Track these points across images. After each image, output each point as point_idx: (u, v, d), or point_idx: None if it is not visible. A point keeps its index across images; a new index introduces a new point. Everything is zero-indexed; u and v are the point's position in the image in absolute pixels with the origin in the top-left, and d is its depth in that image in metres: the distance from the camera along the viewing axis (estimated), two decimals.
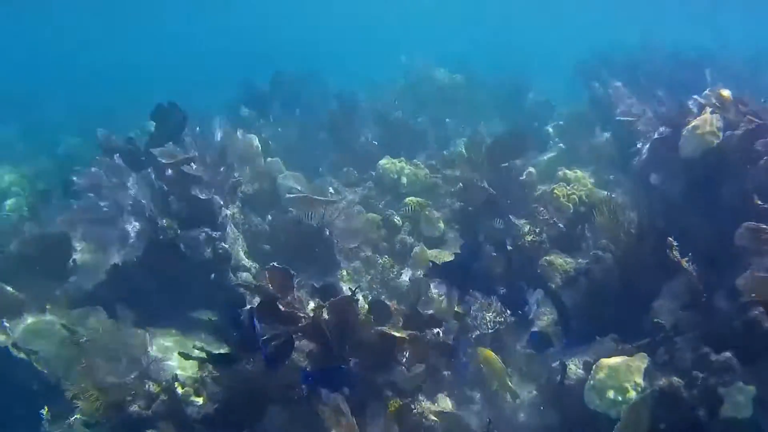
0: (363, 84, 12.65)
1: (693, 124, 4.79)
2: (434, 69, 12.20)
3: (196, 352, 3.91)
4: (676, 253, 4.12)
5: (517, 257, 5.44)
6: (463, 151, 7.40)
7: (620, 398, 3.72)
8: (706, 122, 4.72)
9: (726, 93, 4.92)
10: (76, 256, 5.72)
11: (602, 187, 7.26)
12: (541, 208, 6.22)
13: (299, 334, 3.88)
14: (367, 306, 4.27)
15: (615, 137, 7.79)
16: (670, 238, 4.18)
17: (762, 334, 3.59)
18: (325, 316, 3.87)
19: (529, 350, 4.85)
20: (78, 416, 4.05)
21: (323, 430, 3.59)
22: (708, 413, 3.55)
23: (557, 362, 4.40)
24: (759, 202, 4.26)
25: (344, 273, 6.22)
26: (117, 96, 15.29)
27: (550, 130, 9.54)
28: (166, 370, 4.44)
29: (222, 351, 3.98)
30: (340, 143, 9.54)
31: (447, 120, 10.78)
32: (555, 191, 6.42)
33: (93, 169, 5.85)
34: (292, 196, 6.56)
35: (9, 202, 8.29)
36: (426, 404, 4.12)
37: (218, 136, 6.95)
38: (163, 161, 5.71)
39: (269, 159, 7.78)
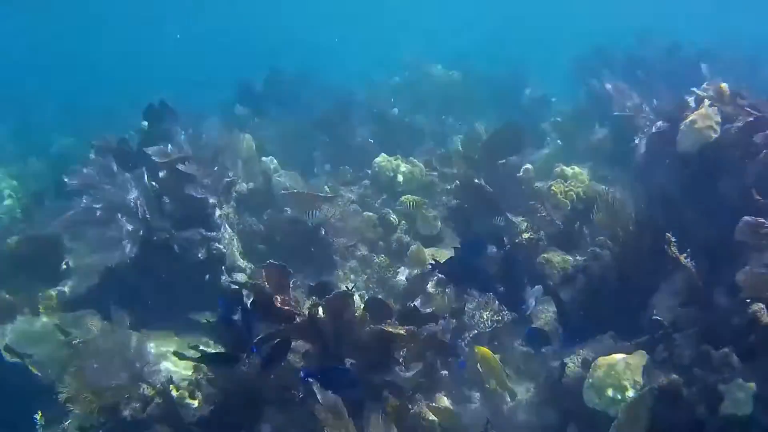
0: (360, 82, 12.58)
1: (691, 118, 4.74)
2: (431, 66, 12.14)
3: (191, 353, 3.87)
4: (674, 248, 4.07)
5: (514, 255, 5.39)
6: (460, 148, 7.36)
7: (619, 396, 3.68)
8: (704, 116, 4.67)
9: (724, 86, 4.87)
10: (69, 257, 5.67)
11: (600, 183, 7.20)
12: (539, 206, 6.18)
13: (295, 333, 3.83)
14: (363, 304, 4.22)
15: (612, 133, 7.76)
16: (669, 234, 4.13)
17: (762, 330, 3.55)
18: (321, 313, 3.82)
19: (527, 348, 4.82)
20: (72, 420, 4.01)
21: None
22: (708, 410, 3.51)
23: (556, 360, 4.37)
24: (758, 197, 4.22)
25: (340, 272, 6.18)
26: (117, 96, 15.14)
27: (547, 126, 9.49)
28: (161, 372, 4.38)
29: (217, 351, 3.93)
30: (336, 141, 9.48)
31: (444, 117, 10.72)
32: (552, 188, 6.37)
33: (85, 170, 5.78)
34: (286, 192, 6.50)
35: (1, 204, 8.22)
36: (424, 404, 4.08)
37: (213, 135, 6.90)
38: (157, 160, 5.66)
39: (264, 158, 7.73)
